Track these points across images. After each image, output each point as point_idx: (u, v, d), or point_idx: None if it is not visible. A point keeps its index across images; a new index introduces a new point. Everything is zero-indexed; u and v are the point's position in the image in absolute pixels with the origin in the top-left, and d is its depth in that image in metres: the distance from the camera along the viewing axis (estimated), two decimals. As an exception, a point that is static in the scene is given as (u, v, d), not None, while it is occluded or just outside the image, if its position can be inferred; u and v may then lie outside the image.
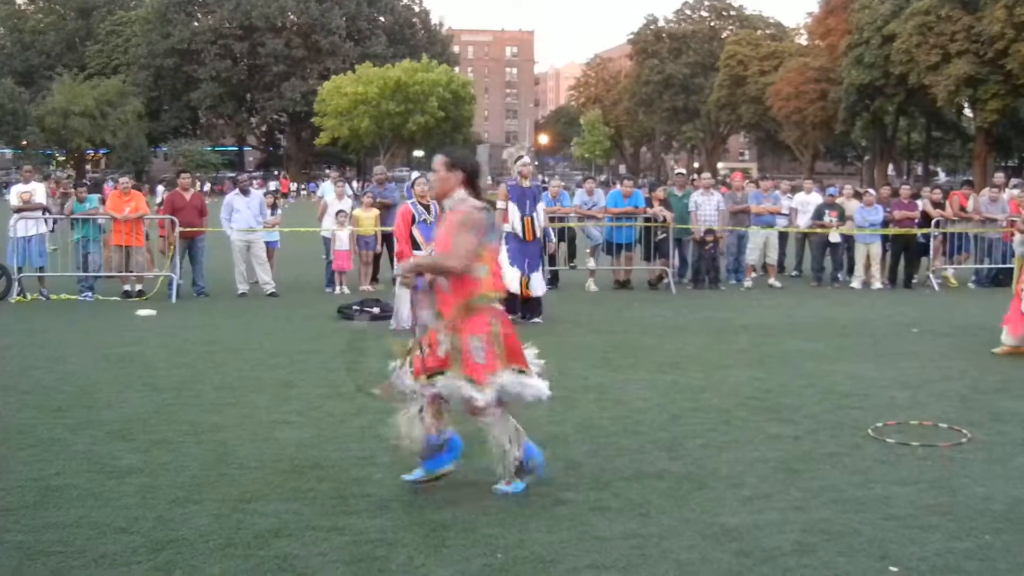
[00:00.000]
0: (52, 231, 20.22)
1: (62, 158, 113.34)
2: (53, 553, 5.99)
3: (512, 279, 15.46)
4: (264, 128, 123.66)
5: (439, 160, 7.22)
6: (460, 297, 7.05)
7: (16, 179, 27.85)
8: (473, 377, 6.95)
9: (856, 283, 21.24)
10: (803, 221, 22.44)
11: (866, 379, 11.32)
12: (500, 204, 15.94)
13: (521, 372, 7.18)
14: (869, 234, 21.14)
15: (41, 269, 19.45)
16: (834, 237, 21.45)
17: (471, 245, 6.97)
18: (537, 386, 7.28)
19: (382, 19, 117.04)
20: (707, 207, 20.75)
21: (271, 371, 11.72)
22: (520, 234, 15.53)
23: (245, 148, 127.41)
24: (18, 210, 19.47)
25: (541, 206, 16.03)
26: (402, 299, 15.15)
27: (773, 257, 21.99)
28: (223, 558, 5.92)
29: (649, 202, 21.34)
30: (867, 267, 21.32)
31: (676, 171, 26.77)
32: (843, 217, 21.58)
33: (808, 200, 23.00)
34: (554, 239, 18.55)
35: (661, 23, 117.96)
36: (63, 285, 19.58)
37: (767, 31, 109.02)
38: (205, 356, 12.69)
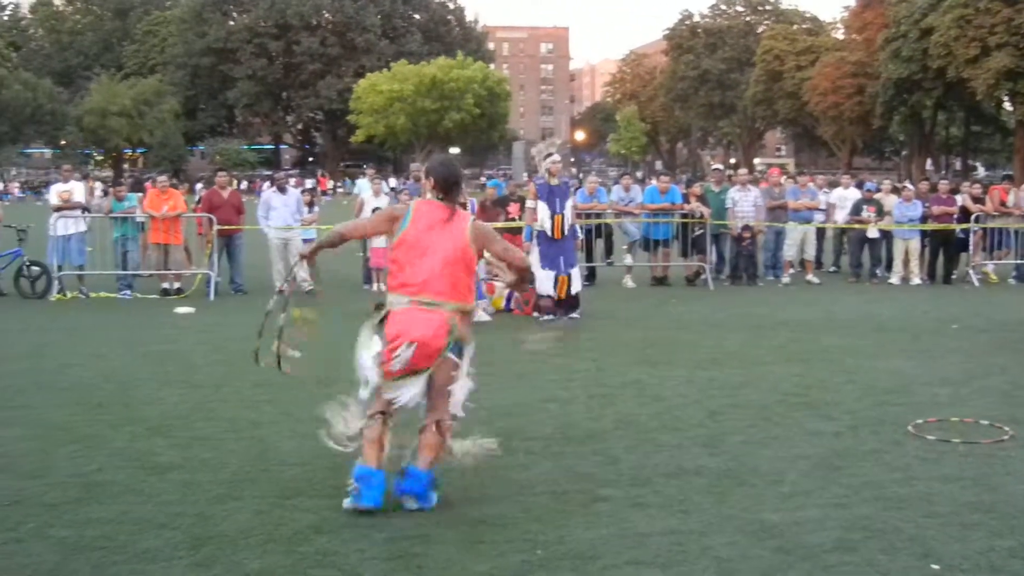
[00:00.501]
0: (89, 230, 20.32)
1: (100, 157, 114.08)
2: (95, 548, 6.03)
3: (546, 282, 15.43)
4: (300, 126, 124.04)
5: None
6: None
7: (55, 178, 28.02)
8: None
9: (895, 279, 21.11)
10: (841, 217, 22.31)
11: (906, 375, 11.25)
12: (530, 203, 15.92)
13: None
14: (908, 229, 21.02)
15: (80, 267, 19.61)
16: (872, 233, 21.31)
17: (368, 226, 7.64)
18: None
19: (417, 16, 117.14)
20: (744, 203, 20.68)
21: (309, 367, 11.72)
22: (549, 232, 15.49)
23: (281, 146, 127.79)
24: (57, 209, 19.61)
25: (570, 203, 15.98)
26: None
27: (811, 253, 21.85)
28: (264, 554, 5.95)
29: (686, 198, 21.28)
30: (906, 263, 21.19)
31: (713, 167, 26.64)
32: (881, 212, 21.44)
33: (845, 195, 22.87)
34: (580, 235, 18.49)
35: (696, 18, 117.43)
36: (102, 283, 19.70)
37: (803, 26, 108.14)
38: (243, 353, 12.67)
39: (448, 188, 7.09)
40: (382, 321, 6.89)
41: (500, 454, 7.19)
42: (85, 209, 20.27)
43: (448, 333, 6.73)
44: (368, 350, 6.90)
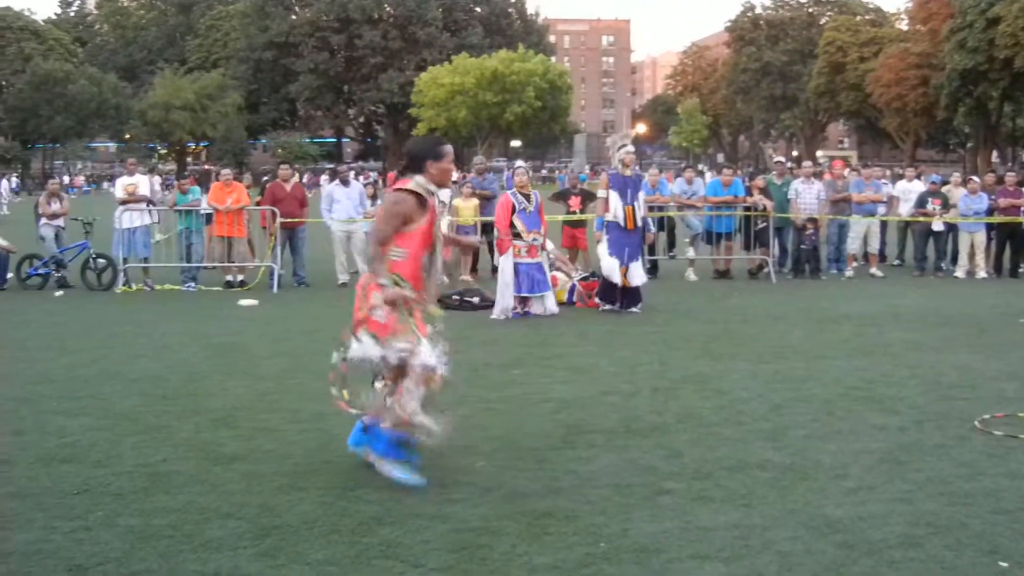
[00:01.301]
0: (157, 222, 20.54)
1: (164, 151, 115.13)
2: (162, 537, 6.10)
3: (611, 268, 15.48)
4: (362, 119, 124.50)
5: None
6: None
7: (120, 172, 28.29)
8: (375, 332, 7.12)
9: (960, 272, 20.90)
10: (905, 209, 22.13)
11: (972, 370, 11.13)
12: (601, 193, 15.95)
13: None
14: (973, 222, 20.80)
15: (145, 260, 19.82)
16: (937, 226, 21.12)
17: (384, 232, 7.24)
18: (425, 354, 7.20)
19: (478, 10, 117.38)
20: (807, 196, 20.58)
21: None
22: (621, 223, 15.50)
23: (343, 139, 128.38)
24: (123, 202, 19.82)
25: (642, 195, 15.99)
26: (506, 289, 15.24)
27: (875, 246, 21.65)
28: (327, 545, 5.98)
29: (748, 191, 21.19)
30: (971, 256, 20.97)
31: (775, 159, 26.51)
32: (947, 205, 21.24)
33: (910, 188, 22.67)
34: (653, 228, 18.50)
35: (759, 10, 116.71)
36: (167, 275, 19.90)
37: (867, 17, 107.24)
38: (306, 345, 12.81)
39: (419, 163, 7.46)
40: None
41: (432, 439, 7.24)
42: (150, 202, 20.47)
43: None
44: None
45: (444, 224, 19.94)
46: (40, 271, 19.62)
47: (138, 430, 8.57)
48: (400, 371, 7.15)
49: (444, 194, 20.91)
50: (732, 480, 7.16)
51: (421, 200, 7.32)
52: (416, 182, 7.35)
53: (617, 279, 15.45)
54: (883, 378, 10.66)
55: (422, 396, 7.17)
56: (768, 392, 9.97)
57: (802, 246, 20.61)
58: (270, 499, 6.78)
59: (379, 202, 21.76)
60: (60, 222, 20.39)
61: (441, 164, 7.45)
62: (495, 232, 16.52)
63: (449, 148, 7.61)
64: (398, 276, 7.22)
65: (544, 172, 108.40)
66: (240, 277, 19.71)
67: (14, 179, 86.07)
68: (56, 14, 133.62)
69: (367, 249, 7.02)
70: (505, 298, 15.21)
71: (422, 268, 7.41)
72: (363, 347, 7.15)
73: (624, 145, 16.12)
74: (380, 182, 31.99)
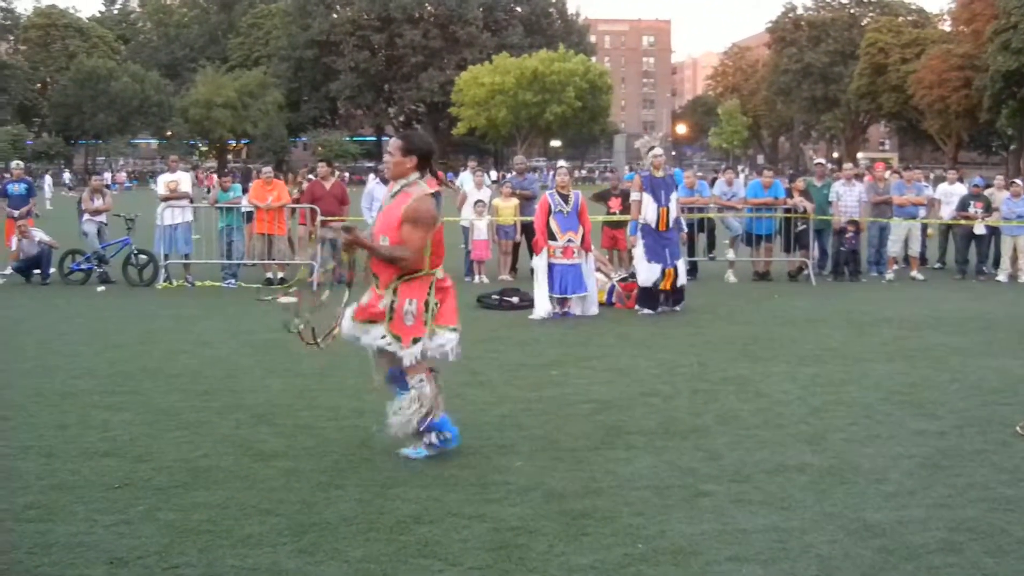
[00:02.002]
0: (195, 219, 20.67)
1: (204, 148, 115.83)
2: (202, 532, 6.15)
3: (651, 275, 15.44)
4: (402, 118, 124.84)
5: (394, 144, 7.67)
6: (397, 272, 7.51)
7: (162, 168, 28.46)
8: (399, 335, 7.50)
9: (1002, 276, 20.75)
10: (946, 212, 22.00)
11: (1014, 375, 11.04)
12: (634, 196, 15.93)
13: (453, 330, 7.73)
14: (1016, 225, 20.64)
15: (186, 256, 19.94)
16: (979, 229, 20.98)
17: (421, 241, 7.41)
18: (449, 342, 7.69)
19: (519, 9, 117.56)
20: (848, 198, 20.49)
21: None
22: (654, 224, 15.48)
23: (383, 138, 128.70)
24: (165, 199, 19.94)
25: (675, 196, 15.95)
26: (541, 289, 15.24)
27: (916, 249, 21.51)
28: (366, 542, 6.00)
29: (789, 192, 21.10)
30: (1014, 259, 20.81)
31: (816, 161, 26.39)
32: (989, 208, 21.11)
33: (951, 191, 22.55)
34: (685, 228, 18.42)
35: (800, 11, 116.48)
36: (207, 272, 20.00)
37: (909, 17, 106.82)
38: (346, 343, 12.82)
39: (428, 161, 7.74)
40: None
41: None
42: (191, 199, 20.60)
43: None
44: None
45: (484, 223, 20.08)
46: (82, 266, 19.77)
47: (178, 425, 8.64)
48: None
49: (484, 194, 21.05)
50: (771, 483, 7.14)
51: (439, 197, 7.62)
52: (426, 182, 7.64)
53: (657, 277, 15.43)
54: (923, 382, 10.60)
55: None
56: (807, 395, 9.93)
57: (842, 248, 20.51)
58: (309, 496, 6.81)
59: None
60: (103, 218, 20.55)
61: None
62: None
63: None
64: (429, 270, 7.56)
65: (583, 172, 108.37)
66: (280, 274, 19.78)
67: (67, 175, 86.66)
68: (100, 12, 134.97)
69: (394, 252, 7.23)
70: (540, 298, 15.22)
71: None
72: (370, 337, 7.67)
73: (654, 147, 16.11)
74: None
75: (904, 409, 9.35)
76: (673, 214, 15.74)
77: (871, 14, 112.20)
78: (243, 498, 6.76)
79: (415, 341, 7.49)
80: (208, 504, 6.64)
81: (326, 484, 7.06)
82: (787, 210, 20.56)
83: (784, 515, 6.48)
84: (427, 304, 7.53)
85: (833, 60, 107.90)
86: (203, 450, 7.89)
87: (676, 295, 15.77)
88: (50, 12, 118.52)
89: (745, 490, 6.97)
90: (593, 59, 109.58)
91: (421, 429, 7.58)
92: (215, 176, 34.64)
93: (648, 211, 15.53)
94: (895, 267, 21.23)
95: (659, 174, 15.73)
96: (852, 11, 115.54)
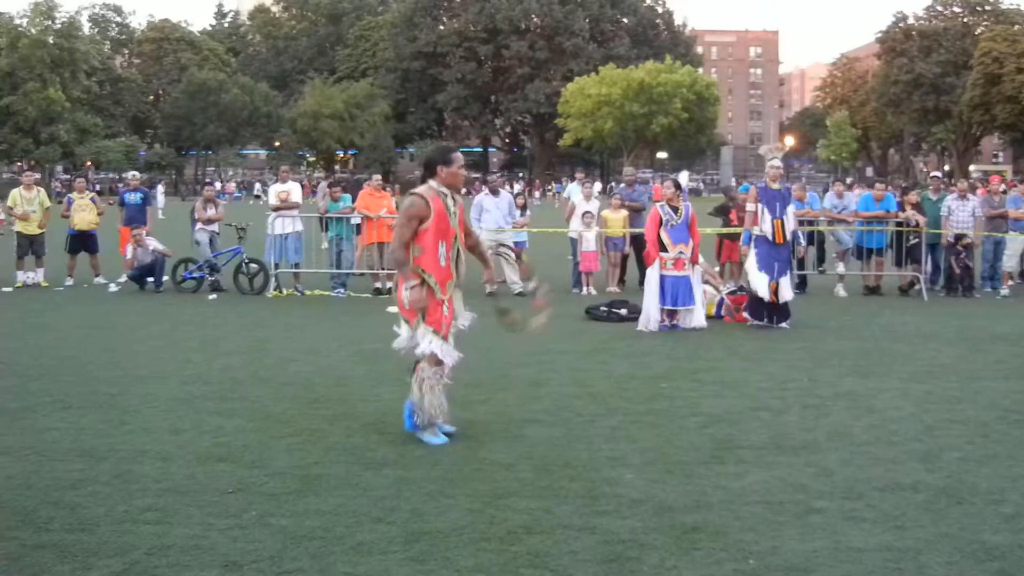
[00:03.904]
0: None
1: (312, 159, 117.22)
2: (314, 538, 6.20)
3: (761, 284, 15.34)
4: (508, 129, 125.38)
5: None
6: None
7: (271, 179, 28.82)
8: (406, 317, 8.55)
9: (1122, 292, 20.28)
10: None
11: None
12: (750, 207, 15.82)
13: (435, 333, 8.42)
14: None
15: (296, 265, 20.16)
16: (1097, 243, 20.53)
17: (403, 235, 8.32)
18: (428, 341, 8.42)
19: (625, 20, 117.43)
20: (961, 212, 20.14)
21: (520, 369, 11.87)
22: (770, 237, 15.36)
23: (490, 149, 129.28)
24: (276, 209, 20.19)
25: (791, 209, 15.82)
26: (650, 301, 15.19)
27: (1032, 264, 21.13)
28: (476, 552, 6.01)
29: (901, 206, 20.81)
30: None
31: (932, 175, 26.00)
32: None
33: (1069, 205, 22.08)
34: (803, 242, 18.25)
35: (911, 20, 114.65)
36: (317, 281, 20.21)
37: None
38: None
39: (431, 168, 8.55)
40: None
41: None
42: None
43: None
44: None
45: (592, 235, 20.06)
46: (194, 275, 20.11)
47: (290, 432, 8.73)
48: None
49: (593, 205, 21.02)
50: (884, 501, 7.02)
51: (427, 201, 8.29)
52: (429, 185, 8.40)
53: (766, 294, 15.31)
54: (1041, 401, 10.38)
55: (434, 376, 8.35)
56: (920, 412, 9.77)
57: (953, 260, 20.12)
58: (419, 505, 6.84)
59: (528, 212, 21.97)
60: (215, 227, 20.88)
61: (451, 168, 8.48)
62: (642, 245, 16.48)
63: (458, 155, 8.71)
64: (421, 269, 8.31)
65: (690, 184, 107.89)
66: (389, 284, 19.90)
67: (227, 185, 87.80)
68: (211, 25, 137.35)
69: (393, 253, 7.92)
70: (651, 310, 15.16)
71: (440, 260, 8.37)
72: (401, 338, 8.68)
73: (773, 158, 15.99)
74: (528, 191, 32.06)
75: (1021, 428, 9.15)
76: (789, 226, 15.61)
77: (985, 23, 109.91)
78: (354, 505, 6.82)
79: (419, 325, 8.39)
80: (320, 511, 6.70)
81: (436, 493, 7.09)
82: (899, 224, 20.29)
83: (898, 534, 6.37)
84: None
85: (945, 70, 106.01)
86: (314, 457, 7.97)
87: (780, 312, 15.61)
88: (163, 26, 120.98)
89: (858, 508, 6.87)
90: (700, 70, 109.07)
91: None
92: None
93: (763, 223, 15.43)
94: (1010, 283, 20.79)
95: (775, 186, 15.62)
96: (965, 20, 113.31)
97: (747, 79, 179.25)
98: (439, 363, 8.39)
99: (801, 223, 19.62)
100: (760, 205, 15.51)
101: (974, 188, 21.28)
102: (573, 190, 24.72)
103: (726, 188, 33.63)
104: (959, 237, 19.88)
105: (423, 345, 8.36)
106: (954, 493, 7.22)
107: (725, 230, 20.24)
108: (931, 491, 7.26)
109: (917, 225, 19.99)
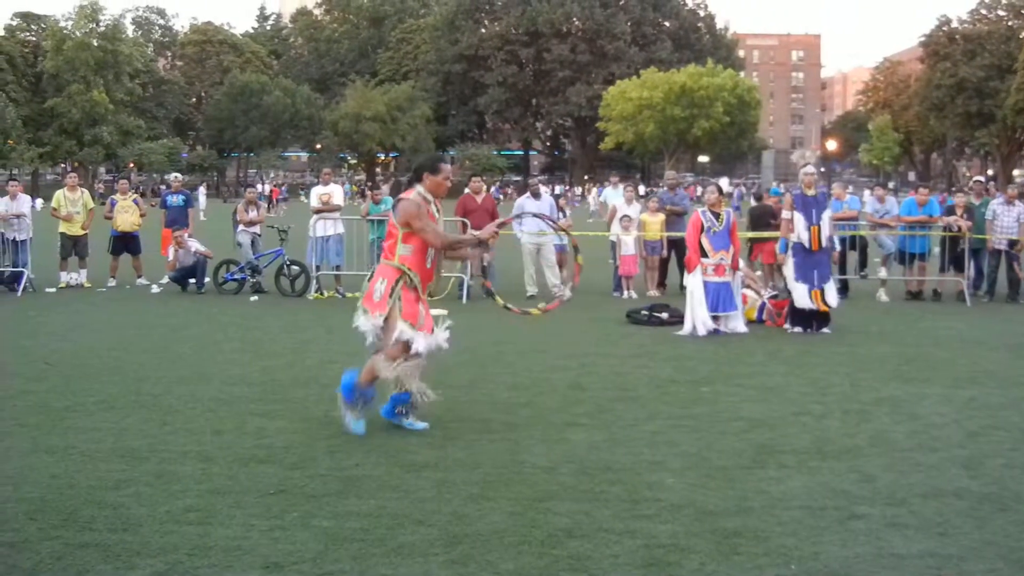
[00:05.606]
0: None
1: (354, 161, 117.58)
2: (355, 540, 6.22)
3: (801, 294, 15.25)
4: (549, 132, 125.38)
5: None
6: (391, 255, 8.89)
7: (312, 181, 28.96)
8: (367, 308, 8.84)
9: None
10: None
11: None
12: (785, 214, 15.75)
13: (411, 327, 8.77)
14: None
15: (337, 268, 20.23)
16: None
17: (432, 227, 8.74)
18: (432, 340, 8.98)
19: (667, 24, 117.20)
20: (1006, 218, 19.94)
21: (561, 373, 11.87)
22: (806, 243, 15.28)
23: (531, 152, 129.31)
24: (317, 211, 20.27)
25: (827, 214, 15.70)
26: (693, 308, 15.15)
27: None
28: (517, 555, 6.01)
29: (952, 210, 20.64)
30: None
31: (974, 179, 25.78)
32: None
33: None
34: (838, 246, 18.13)
35: (955, 24, 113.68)
36: (358, 283, 20.18)
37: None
38: (496, 356, 12.92)
39: (418, 174, 8.99)
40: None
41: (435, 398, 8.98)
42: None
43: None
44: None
45: (631, 238, 20.03)
46: (236, 276, 20.22)
47: (331, 434, 8.76)
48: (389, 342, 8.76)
49: (633, 209, 20.99)
50: (926, 507, 6.98)
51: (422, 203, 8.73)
52: (417, 191, 8.79)
53: (807, 304, 15.22)
54: (1087, 408, 10.29)
55: (413, 366, 8.80)
56: (963, 418, 9.69)
57: (1015, 265, 19.86)
58: (460, 507, 6.85)
59: (569, 215, 21.91)
60: (256, 229, 20.99)
61: (436, 178, 8.88)
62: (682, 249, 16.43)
63: (447, 166, 9.16)
64: (407, 267, 8.74)
65: (731, 188, 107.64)
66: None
67: (272, 187, 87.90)
68: (253, 28, 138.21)
69: (439, 245, 8.85)
70: (695, 316, 15.12)
71: (426, 262, 8.83)
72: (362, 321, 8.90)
73: (807, 165, 15.92)
74: (566, 195, 32.05)
75: (1065, 435, 9.08)
76: (825, 233, 15.52)
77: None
78: (395, 508, 6.83)
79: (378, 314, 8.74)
80: (361, 513, 6.72)
81: (477, 496, 7.10)
82: (945, 228, 20.15)
83: (941, 541, 6.33)
84: (395, 290, 8.75)
85: (989, 74, 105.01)
86: (355, 459, 8.00)
87: (821, 317, 15.52)
88: (206, 29, 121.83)
89: (900, 514, 6.84)
90: (741, 74, 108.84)
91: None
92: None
93: (799, 229, 15.35)
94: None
95: (810, 192, 15.53)
96: (1010, 23, 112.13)
97: (789, 83, 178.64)
98: (415, 354, 8.76)
99: (842, 227, 19.51)
100: (795, 212, 15.44)
101: (1022, 195, 20.98)
102: (610, 194, 24.67)
103: (757, 195, 33.65)
104: (1013, 243, 19.67)
105: (397, 334, 8.67)
106: (997, 500, 7.16)
107: (751, 234, 20.17)
108: (974, 498, 7.20)
109: (959, 230, 19.84)
